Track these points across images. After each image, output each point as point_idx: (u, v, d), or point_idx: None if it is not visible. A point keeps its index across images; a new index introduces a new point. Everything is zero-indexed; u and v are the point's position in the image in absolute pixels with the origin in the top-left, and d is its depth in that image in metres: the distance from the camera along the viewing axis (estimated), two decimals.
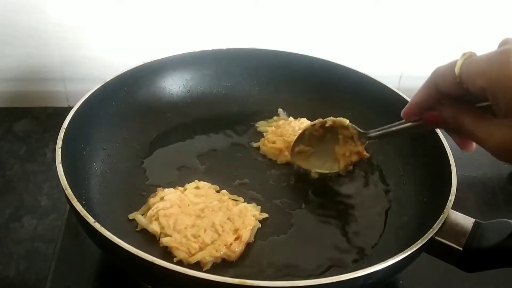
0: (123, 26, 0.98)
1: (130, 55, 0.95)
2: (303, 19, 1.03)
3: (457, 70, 0.50)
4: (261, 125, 0.87)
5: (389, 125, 0.68)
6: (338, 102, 0.88)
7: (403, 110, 0.61)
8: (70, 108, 0.71)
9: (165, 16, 0.98)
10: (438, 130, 0.74)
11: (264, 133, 0.85)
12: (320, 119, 0.76)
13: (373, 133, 0.72)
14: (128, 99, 0.81)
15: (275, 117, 0.89)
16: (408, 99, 0.81)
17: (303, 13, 1.03)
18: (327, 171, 0.77)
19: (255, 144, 0.83)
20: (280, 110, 0.90)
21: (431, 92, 0.55)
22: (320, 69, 0.90)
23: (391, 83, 0.86)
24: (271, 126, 0.86)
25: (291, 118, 0.87)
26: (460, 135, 0.57)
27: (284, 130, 0.83)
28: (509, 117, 0.46)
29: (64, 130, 0.67)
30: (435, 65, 0.61)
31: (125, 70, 0.81)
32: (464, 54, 0.50)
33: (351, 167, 0.79)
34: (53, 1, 0.93)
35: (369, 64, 0.92)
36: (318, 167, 0.78)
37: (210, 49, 0.89)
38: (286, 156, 0.80)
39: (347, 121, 0.74)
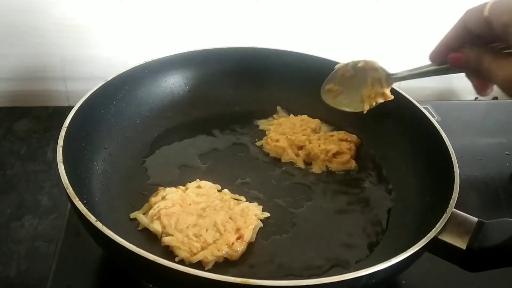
0: (124, 25, 0.98)
1: (131, 54, 0.96)
2: (304, 18, 1.03)
3: (486, 10, 0.55)
4: (262, 124, 0.87)
5: (415, 68, 0.69)
6: None
7: (431, 52, 0.64)
8: (70, 108, 0.71)
9: (166, 15, 0.98)
10: (440, 130, 0.74)
11: (266, 132, 0.85)
12: (353, 60, 0.76)
13: (400, 74, 0.73)
14: (129, 98, 0.81)
15: (274, 115, 0.89)
16: (409, 97, 0.82)
17: (304, 12, 1.03)
18: (352, 110, 0.78)
19: (258, 143, 0.83)
20: (278, 107, 0.90)
21: (459, 31, 0.60)
22: (321, 68, 0.88)
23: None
24: (272, 124, 0.86)
25: (291, 115, 0.88)
26: (479, 77, 0.61)
27: (286, 127, 0.84)
28: None
29: (65, 129, 0.66)
30: None
31: (126, 69, 0.80)
32: None
33: (325, 168, 0.80)
34: (54, 1, 0.93)
35: None
36: (344, 105, 0.78)
37: (211, 48, 0.89)
38: (290, 154, 0.80)
39: (377, 63, 0.75)
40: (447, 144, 0.71)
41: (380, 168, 0.81)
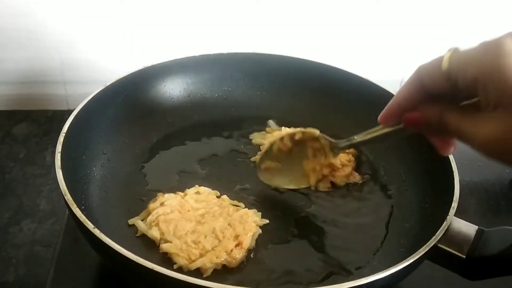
0: (124, 29, 0.98)
1: (130, 58, 0.95)
2: (304, 24, 1.03)
3: (445, 63, 0.48)
4: (255, 138, 0.85)
5: (364, 132, 0.64)
6: (339, 107, 0.88)
7: (381, 114, 0.58)
8: (70, 111, 0.71)
9: (166, 21, 0.98)
10: None
11: (260, 147, 0.83)
12: (289, 131, 0.73)
13: (344, 143, 0.68)
14: (128, 103, 0.81)
15: (267, 129, 0.87)
16: None
17: (304, 17, 1.02)
18: (295, 187, 0.74)
19: (253, 158, 0.81)
20: (270, 121, 0.88)
21: (415, 91, 0.53)
22: (321, 74, 0.89)
23: (392, 88, 0.85)
24: (265, 139, 0.84)
25: (283, 128, 0.85)
26: (442, 137, 0.55)
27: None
28: (498, 109, 0.45)
29: (64, 134, 0.66)
30: None
31: (126, 74, 0.80)
32: (449, 49, 0.49)
33: (330, 184, 0.77)
34: (54, 5, 0.93)
35: (370, 68, 0.91)
36: (285, 183, 0.74)
37: (211, 53, 0.88)
38: None
39: (317, 132, 0.71)
40: None
41: (380, 175, 0.81)
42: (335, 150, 0.70)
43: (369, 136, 0.63)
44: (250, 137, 0.86)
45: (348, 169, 0.79)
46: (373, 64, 1.05)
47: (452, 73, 0.48)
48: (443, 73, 0.48)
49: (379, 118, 0.59)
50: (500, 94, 0.44)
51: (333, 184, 0.78)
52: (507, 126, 0.44)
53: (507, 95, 0.43)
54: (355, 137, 0.66)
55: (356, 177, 0.80)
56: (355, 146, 0.68)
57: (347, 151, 0.80)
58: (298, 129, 0.72)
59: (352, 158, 0.81)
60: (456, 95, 0.50)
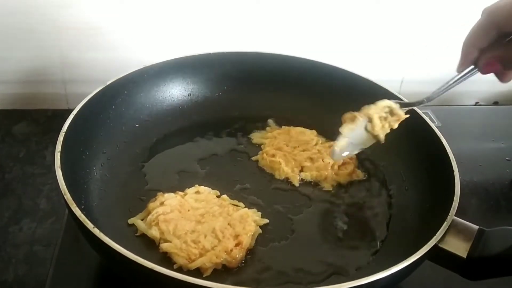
0: (124, 29, 0.98)
1: (130, 58, 0.95)
2: (305, 23, 1.03)
3: None
4: (255, 137, 0.85)
5: (439, 88, 0.69)
6: (339, 106, 0.87)
7: (459, 64, 0.65)
8: (70, 111, 0.70)
9: (166, 20, 0.98)
10: (441, 136, 0.74)
11: (261, 146, 0.83)
12: (352, 115, 0.73)
13: (419, 100, 0.71)
14: (128, 102, 0.81)
15: (267, 128, 0.87)
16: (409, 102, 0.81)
17: (305, 17, 1.02)
18: (367, 146, 0.74)
19: (253, 158, 0.81)
20: (269, 120, 0.88)
21: (489, 32, 0.60)
22: (322, 73, 0.89)
23: (393, 87, 0.85)
24: (267, 138, 0.84)
25: (285, 127, 0.86)
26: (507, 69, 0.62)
27: (281, 141, 0.82)
28: None
29: (64, 133, 0.66)
30: (436, 70, 0.61)
31: (126, 73, 0.80)
32: None
33: (334, 182, 0.78)
34: (54, 4, 0.93)
35: (370, 68, 0.91)
36: (358, 149, 0.74)
37: (212, 52, 0.88)
38: (286, 171, 0.78)
39: (383, 103, 0.72)
40: (447, 150, 0.71)
41: (380, 174, 0.81)
42: (406, 108, 0.72)
43: (443, 88, 0.68)
44: (250, 137, 0.85)
45: (350, 167, 0.79)
46: (373, 63, 1.05)
47: None
48: None
49: (458, 67, 0.65)
50: None
51: (338, 183, 0.78)
52: None
53: None
54: (431, 94, 0.70)
55: (360, 175, 0.80)
56: (430, 100, 0.70)
57: None
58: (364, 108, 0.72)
59: (354, 156, 0.80)
60: None
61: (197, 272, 0.61)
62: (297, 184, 0.77)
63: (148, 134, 0.82)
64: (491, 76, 1.21)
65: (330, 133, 0.85)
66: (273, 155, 0.80)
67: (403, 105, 0.73)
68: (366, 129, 0.73)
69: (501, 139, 1.00)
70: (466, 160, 0.89)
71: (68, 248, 0.69)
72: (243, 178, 0.77)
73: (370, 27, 1.06)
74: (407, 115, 0.72)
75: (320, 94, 0.89)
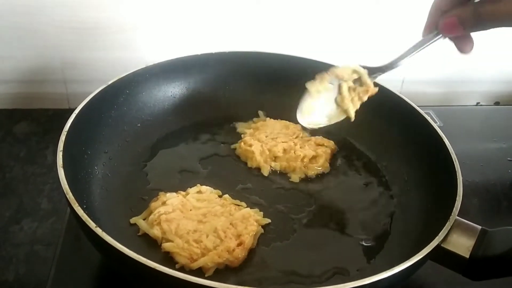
0: (125, 28, 0.98)
1: (132, 57, 0.95)
2: (305, 23, 1.03)
3: None
4: (240, 126, 0.87)
5: (402, 52, 0.68)
6: None
7: (424, 26, 0.64)
8: (71, 110, 0.70)
9: (168, 19, 0.98)
10: (443, 136, 0.74)
11: (242, 135, 0.84)
12: (322, 74, 0.72)
13: (385, 65, 0.70)
14: (130, 102, 0.81)
15: (254, 119, 0.88)
16: (411, 103, 0.81)
17: (305, 17, 1.02)
18: (336, 121, 0.73)
19: (232, 146, 0.83)
20: (260, 112, 0.89)
21: None
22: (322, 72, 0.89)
23: (394, 87, 0.85)
24: (250, 128, 0.85)
25: (268, 119, 0.87)
26: (464, 38, 0.61)
27: (263, 133, 0.83)
28: None
29: (66, 133, 0.66)
30: (436, 70, 0.61)
31: (127, 73, 0.80)
32: None
33: (303, 175, 0.79)
34: (55, 4, 0.93)
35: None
36: (326, 121, 0.74)
37: (213, 52, 0.88)
38: (258, 160, 0.79)
39: (351, 66, 0.71)
40: (450, 150, 0.71)
41: (382, 174, 0.81)
42: (374, 74, 0.71)
43: (407, 52, 0.67)
44: (235, 126, 0.86)
45: (321, 160, 0.80)
46: (375, 63, 1.05)
47: None
48: None
49: (422, 31, 0.64)
50: None
51: (305, 176, 0.79)
52: None
53: None
54: (395, 58, 0.69)
55: (326, 168, 0.81)
56: (394, 65, 0.70)
57: (325, 144, 0.82)
58: (331, 69, 0.72)
59: (329, 151, 0.82)
60: None
61: (199, 272, 0.61)
62: (266, 174, 0.78)
63: (150, 134, 0.82)
64: (493, 77, 1.21)
65: (330, 132, 0.85)
66: (250, 145, 0.80)
67: (370, 72, 0.71)
68: (335, 101, 0.72)
69: (502, 140, 1.00)
70: (468, 160, 0.89)
71: (69, 248, 0.69)
72: (245, 178, 0.77)
73: (370, 26, 1.06)
74: (377, 88, 0.72)
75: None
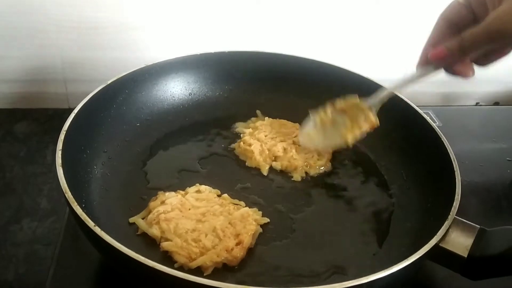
0: (124, 28, 0.98)
1: (131, 57, 0.95)
2: (305, 23, 1.03)
3: None
4: (239, 126, 0.87)
5: (395, 84, 0.73)
6: None
7: (418, 60, 0.69)
8: (70, 110, 0.70)
9: (167, 19, 0.98)
10: (442, 136, 0.74)
11: (241, 135, 0.84)
12: (329, 104, 0.78)
13: (378, 97, 0.74)
14: (129, 101, 0.81)
15: (253, 118, 0.88)
16: (410, 102, 0.81)
17: (305, 16, 1.02)
18: (335, 147, 0.79)
19: (232, 145, 0.83)
20: (258, 111, 0.89)
21: (442, 28, 0.66)
22: (324, 73, 0.89)
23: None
24: (248, 128, 0.85)
25: (266, 119, 0.87)
26: (462, 63, 0.65)
27: (261, 131, 0.83)
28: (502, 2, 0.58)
29: (65, 132, 0.66)
30: None
31: (127, 72, 0.80)
32: None
33: (304, 174, 0.79)
34: (55, 3, 0.93)
35: (371, 67, 0.91)
36: (326, 146, 0.79)
37: (213, 51, 0.88)
38: (257, 160, 0.79)
39: (355, 98, 0.76)
40: (448, 150, 0.71)
41: (381, 174, 0.81)
42: (373, 108, 0.75)
43: (402, 83, 0.72)
44: (234, 126, 0.86)
45: (323, 159, 0.81)
46: (374, 63, 1.05)
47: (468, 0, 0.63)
48: (462, 4, 0.64)
49: (417, 64, 0.69)
50: None
51: (306, 174, 0.80)
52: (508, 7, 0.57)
53: None
54: (387, 90, 0.74)
55: (328, 167, 0.81)
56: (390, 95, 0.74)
57: None
58: (338, 100, 0.77)
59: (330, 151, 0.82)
60: (474, 19, 0.63)
61: (198, 271, 0.61)
62: (265, 174, 0.79)
63: (149, 133, 0.82)
64: (492, 77, 1.21)
65: None
66: (250, 144, 0.81)
67: (372, 105, 0.75)
68: (337, 127, 0.77)
69: (501, 140, 1.00)
70: (467, 160, 0.89)
71: (69, 247, 0.69)
72: (244, 178, 0.77)
73: (370, 26, 1.06)
74: (378, 121, 0.75)
75: (322, 93, 0.88)
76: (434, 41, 0.67)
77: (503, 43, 0.61)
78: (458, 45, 0.62)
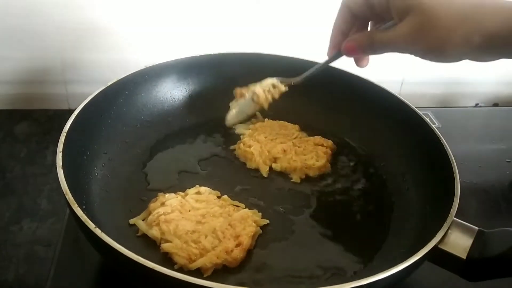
0: (125, 29, 0.98)
1: (131, 58, 0.95)
2: (305, 24, 1.03)
3: None
4: (239, 128, 0.87)
5: (312, 69, 0.78)
6: (338, 107, 0.89)
7: (329, 47, 0.73)
8: (70, 111, 0.71)
9: (167, 20, 0.98)
10: (441, 137, 0.74)
11: (241, 136, 0.84)
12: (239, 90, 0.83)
13: (294, 79, 0.80)
14: (129, 103, 0.81)
15: (252, 120, 0.88)
16: (409, 104, 0.81)
17: (305, 18, 1.02)
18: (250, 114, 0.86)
19: (232, 147, 0.83)
20: (257, 113, 0.89)
21: (345, 16, 0.68)
22: (323, 75, 0.88)
23: (393, 88, 0.86)
24: (249, 129, 0.86)
25: (266, 120, 0.88)
26: (366, 54, 0.70)
27: (262, 133, 0.83)
28: (402, 19, 0.60)
29: (65, 134, 0.66)
30: (436, 71, 0.62)
31: (127, 74, 0.80)
32: None
33: (304, 175, 0.80)
34: (55, 4, 0.93)
35: (371, 69, 0.91)
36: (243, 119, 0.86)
37: (212, 53, 0.88)
38: (257, 161, 0.79)
39: (268, 80, 0.81)
40: (447, 151, 0.71)
41: (380, 175, 0.81)
42: (284, 82, 0.81)
43: (313, 69, 0.78)
44: (234, 128, 0.87)
45: (322, 161, 0.80)
46: (374, 65, 1.05)
47: None
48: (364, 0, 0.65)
49: (328, 52, 0.73)
50: (404, 6, 0.59)
51: (306, 176, 0.79)
52: (412, 25, 0.59)
53: (409, 6, 0.59)
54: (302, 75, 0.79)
55: (328, 169, 0.81)
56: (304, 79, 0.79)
57: (324, 144, 0.83)
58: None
59: (329, 152, 0.82)
60: (377, 16, 0.65)
61: (198, 273, 0.62)
62: (265, 175, 0.79)
63: (149, 135, 0.82)
64: (491, 78, 1.21)
65: (331, 132, 0.85)
66: (250, 146, 0.81)
67: (283, 81, 0.81)
68: (252, 99, 0.82)
69: (501, 141, 1.00)
70: (466, 162, 0.89)
71: (69, 248, 0.69)
72: (243, 179, 0.77)
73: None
74: (287, 88, 0.81)
75: (320, 94, 0.89)
76: (339, 28, 0.69)
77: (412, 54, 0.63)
78: (368, 44, 0.65)
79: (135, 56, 0.97)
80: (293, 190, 0.77)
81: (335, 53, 0.72)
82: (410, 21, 0.59)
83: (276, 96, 0.81)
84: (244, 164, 0.80)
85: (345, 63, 0.89)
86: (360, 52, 0.68)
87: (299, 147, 0.82)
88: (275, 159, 0.81)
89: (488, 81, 1.20)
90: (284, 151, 0.81)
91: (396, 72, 1.11)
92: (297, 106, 0.89)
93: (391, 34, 0.62)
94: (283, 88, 0.81)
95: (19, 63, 0.99)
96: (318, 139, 0.84)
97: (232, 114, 0.85)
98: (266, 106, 0.82)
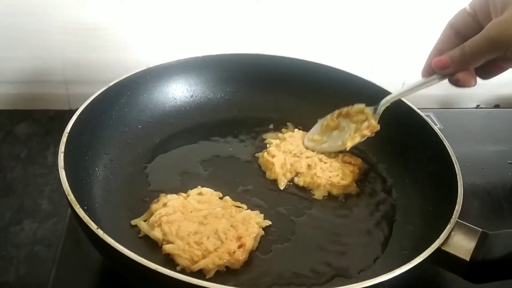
0: (127, 30, 0.98)
1: (133, 59, 0.95)
2: (307, 25, 1.03)
3: (468, 6, 0.66)
4: (268, 136, 0.85)
5: (400, 90, 0.77)
6: (341, 108, 0.88)
7: (423, 68, 0.70)
8: (71, 111, 0.70)
9: (169, 21, 0.98)
10: (443, 139, 0.74)
11: (268, 145, 0.83)
12: (337, 111, 0.82)
13: (382, 104, 0.77)
14: (131, 103, 0.81)
15: (283, 129, 0.87)
16: (411, 105, 0.81)
17: (307, 19, 1.02)
18: (333, 150, 0.81)
19: (257, 154, 0.82)
20: (289, 123, 0.88)
21: (449, 35, 0.67)
22: (324, 76, 0.89)
23: (395, 89, 0.85)
24: (277, 138, 0.84)
25: (296, 130, 0.86)
26: (464, 72, 0.66)
27: (288, 144, 0.81)
28: (504, 11, 0.59)
29: (67, 134, 0.66)
30: None
31: (128, 75, 0.80)
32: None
33: (326, 193, 0.77)
34: (56, 4, 0.93)
35: (372, 70, 0.91)
36: (326, 149, 0.82)
37: (214, 54, 0.88)
38: (277, 173, 0.77)
39: (363, 106, 0.80)
40: (450, 153, 0.71)
41: (383, 177, 0.81)
42: (376, 115, 0.78)
43: (405, 90, 0.75)
44: (263, 136, 0.86)
45: (348, 179, 0.77)
46: (375, 66, 1.05)
47: (474, 9, 0.65)
48: (468, 13, 0.66)
49: (422, 72, 0.71)
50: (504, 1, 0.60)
51: (329, 193, 0.77)
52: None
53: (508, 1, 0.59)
54: (394, 95, 0.77)
55: (354, 189, 0.77)
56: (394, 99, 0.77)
57: (352, 162, 0.80)
58: (345, 108, 0.82)
59: (356, 171, 0.79)
60: (479, 28, 0.63)
61: (200, 274, 0.61)
62: (282, 188, 0.76)
63: (151, 135, 0.82)
64: (493, 79, 1.21)
65: None
66: (273, 156, 0.79)
67: (374, 110, 0.79)
68: (340, 133, 0.81)
69: (503, 142, 1.00)
70: (468, 163, 0.89)
71: (70, 249, 0.69)
72: (246, 180, 0.77)
73: (372, 29, 1.06)
74: (379, 126, 0.78)
75: (323, 96, 0.88)
76: (440, 48, 0.68)
77: (503, 53, 0.61)
78: (460, 55, 0.63)
79: (136, 57, 0.97)
80: (295, 192, 0.76)
81: (431, 75, 0.69)
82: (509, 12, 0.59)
83: (367, 134, 0.79)
84: (246, 165, 0.80)
85: (346, 63, 0.89)
86: (451, 66, 0.65)
87: (325, 162, 0.80)
88: (297, 173, 0.78)
89: (490, 82, 1.19)
90: (309, 166, 0.78)
91: (397, 74, 1.11)
92: (299, 107, 0.90)
93: (484, 30, 0.61)
94: (376, 125, 0.78)
95: (20, 63, 0.99)
96: (346, 156, 0.81)
97: (315, 137, 0.83)
98: (348, 147, 0.79)
